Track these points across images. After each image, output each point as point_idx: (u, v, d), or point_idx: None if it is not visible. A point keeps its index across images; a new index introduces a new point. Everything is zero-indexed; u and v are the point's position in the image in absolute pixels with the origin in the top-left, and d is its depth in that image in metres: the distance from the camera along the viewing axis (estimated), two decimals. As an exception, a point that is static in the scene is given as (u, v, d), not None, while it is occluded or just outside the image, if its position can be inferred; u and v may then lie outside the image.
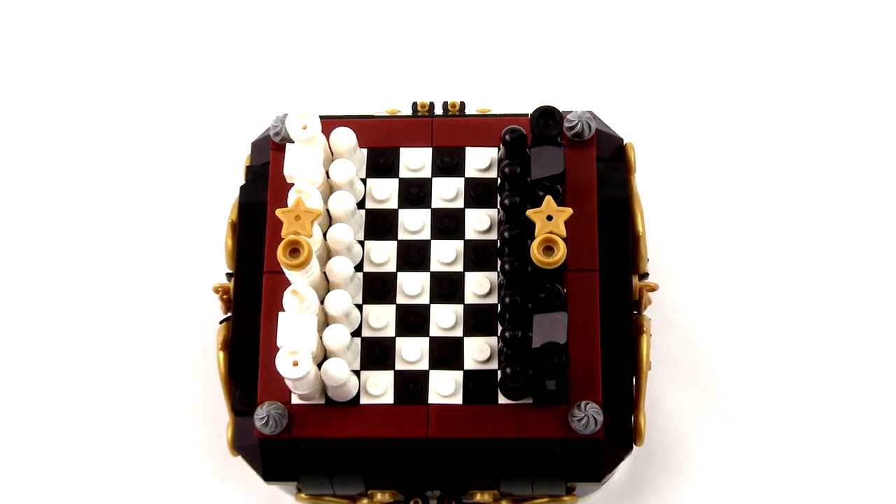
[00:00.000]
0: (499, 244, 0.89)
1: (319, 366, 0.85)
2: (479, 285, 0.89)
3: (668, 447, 0.99)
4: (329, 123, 0.91)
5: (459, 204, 0.91)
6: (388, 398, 0.87)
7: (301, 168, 0.86)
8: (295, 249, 0.82)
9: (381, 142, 0.93)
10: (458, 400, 0.87)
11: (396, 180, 0.92)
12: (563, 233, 0.81)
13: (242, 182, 0.95)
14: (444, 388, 0.87)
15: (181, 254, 1.05)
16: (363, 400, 0.87)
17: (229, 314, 0.92)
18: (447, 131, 0.93)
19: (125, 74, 1.12)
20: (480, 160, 0.92)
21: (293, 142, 0.87)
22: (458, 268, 0.90)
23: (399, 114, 0.96)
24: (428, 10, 1.13)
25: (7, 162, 1.09)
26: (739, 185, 1.06)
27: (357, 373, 0.88)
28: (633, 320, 0.90)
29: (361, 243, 0.90)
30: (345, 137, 0.90)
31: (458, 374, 0.87)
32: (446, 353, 0.88)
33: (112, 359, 1.03)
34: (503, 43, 1.11)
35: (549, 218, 0.81)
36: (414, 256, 0.90)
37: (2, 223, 1.07)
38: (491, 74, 1.10)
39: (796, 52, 1.11)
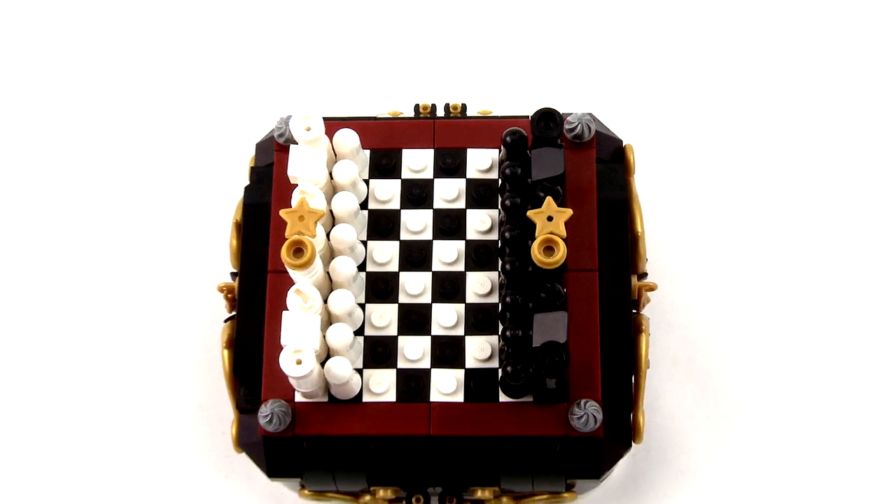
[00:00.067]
0: (500, 244, 0.89)
1: (323, 364, 0.85)
2: (481, 285, 0.89)
3: (666, 445, 0.99)
4: (332, 125, 0.90)
5: (461, 204, 0.91)
6: (391, 396, 0.87)
7: (305, 169, 0.86)
8: (299, 249, 0.82)
9: (383, 143, 0.92)
10: (460, 398, 0.87)
11: (399, 181, 0.92)
12: (564, 233, 0.81)
13: (247, 183, 0.94)
14: (446, 386, 0.87)
15: (186, 253, 1.05)
16: (366, 398, 0.87)
17: (234, 313, 0.92)
18: (449, 133, 0.93)
19: (132, 77, 1.11)
20: (482, 161, 0.92)
21: (297, 143, 0.87)
22: (460, 268, 0.90)
23: (401, 116, 0.96)
24: (429, 14, 1.13)
25: (15, 164, 1.09)
26: (737, 185, 1.06)
27: (360, 371, 0.88)
28: (632, 319, 0.89)
29: (364, 243, 0.90)
30: (348, 139, 0.90)
31: (460, 373, 0.87)
32: (448, 352, 0.88)
33: (118, 357, 1.03)
34: (504, 46, 1.11)
35: (550, 218, 0.81)
36: (416, 256, 0.90)
37: (10, 224, 1.07)
38: (492, 77, 1.10)
39: (794, 54, 1.11)
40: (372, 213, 0.91)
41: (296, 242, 0.82)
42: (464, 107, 0.95)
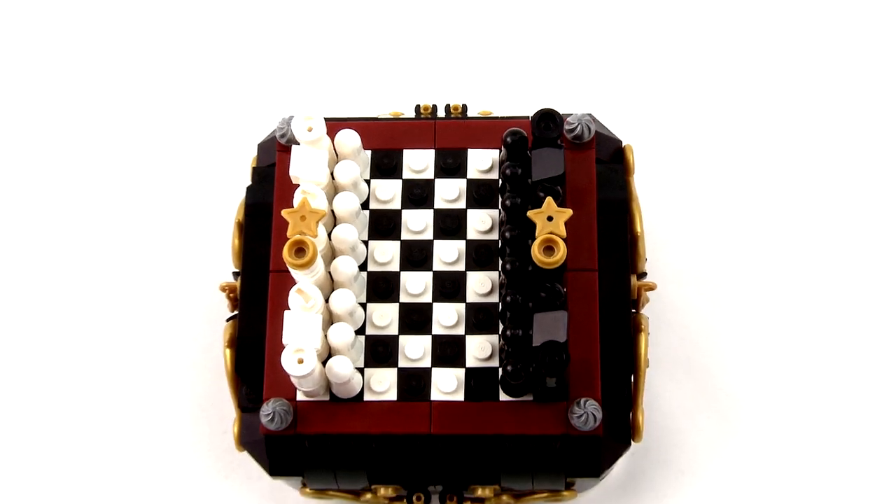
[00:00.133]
0: (500, 244, 0.89)
1: (324, 363, 0.85)
2: (481, 284, 0.89)
3: (665, 444, 0.99)
4: (334, 126, 0.90)
5: (461, 205, 0.91)
6: (392, 395, 0.87)
7: (306, 169, 0.86)
8: (300, 249, 0.82)
9: (384, 143, 0.93)
10: (460, 397, 0.87)
11: (400, 181, 0.92)
12: (564, 233, 0.81)
13: (249, 183, 0.95)
14: (447, 385, 0.87)
15: (189, 253, 1.05)
16: (367, 397, 0.87)
17: (236, 312, 0.92)
18: (449, 133, 0.93)
19: (136, 79, 1.12)
20: (482, 162, 0.92)
21: (299, 143, 0.87)
22: (461, 267, 0.90)
23: (402, 116, 0.96)
24: (430, 16, 1.13)
25: (19, 166, 1.09)
26: (736, 185, 1.06)
27: (361, 370, 0.88)
28: (631, 319, 0.90)
29: (365, 243, 0.91)
30: (349, 139, 0.90)
31: (460, 372, 0.88)
32: (448, 351, 0.88)
33: (120, 356, 1.03)
34: (504, 47, 1.11)
35: (550, 218, 0.82)
36: (417, 256, 0.90)
37: (14, 224, 1.07)
38: (492, 78, 1.10)
39: (793, 55, 1.11)
40: (373, 213, 0.91)
41: (297, 242, 0.82)
42: (464, 107, 0.95)
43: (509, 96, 1.09)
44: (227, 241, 1.01)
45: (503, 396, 0.87)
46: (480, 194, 0.92)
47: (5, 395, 1.02)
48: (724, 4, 1.12)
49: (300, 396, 0.87)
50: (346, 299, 0.86)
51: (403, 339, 0.88)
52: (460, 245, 0.91)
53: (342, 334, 0.85)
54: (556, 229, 0.81)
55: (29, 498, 1.00)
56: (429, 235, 0.91)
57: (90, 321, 1.04)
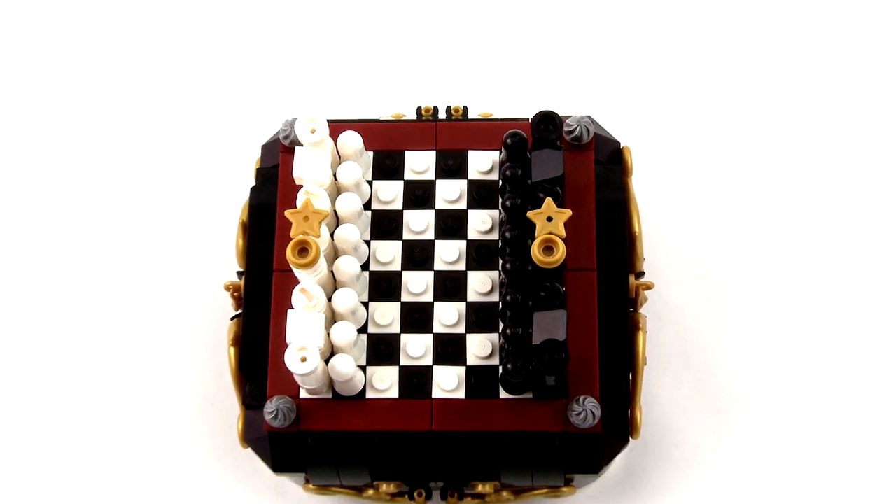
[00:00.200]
0: (500, 244, 0.89)
1: (327, 361, 0.85)
2: (482, 284, 0.89)
3: (662, 440, 0.99)
4: (336, 127, 0.90)
5: (462, 205, 0.92)
6: (393, 393, 0.87)
7: (309, 170, 0.86)
8: (303, 249, 0.82)
9: (386, 145, 0.93)
10: (461, 394, 0.87)
11: (401, 182, 0.92)
12: (563, 233, 0.81)
13: (253, 184, 0.95)
14: (447, 382, 0.87)
15: (194, 253, 1.05)
16: (369, 394, 0.87)
17: (240, 311, 0.92)
18: (450, 135, 0.93)
19: (143, 82, 1.11)
20: (483, 163, 0.92)
21: (302, 145, 0.88)
22: (461, 267, 0.90)
23: (404, 118, 0.96)
24: (432, 20, 1.13)
25: (28, 168, 1.09)
26: (732, 186, 1.07)
27: (363, 368, 0.88)
28: (629, 317, 0.90)
29: (368, 243, 0.91)
30: (352, 141, 0.90)
31: (461, 370, 0.88)
32: (449, 350, 0.88)
33: (127, 354, 1.03)
34: (505, 50, 1.11)
35: (549, 219, 0.82)
36: (418, 256, 0.90)
37: (22, 225, 1.07)
38: (493, 80, 1.10)
39: (789, 58, 1.11)
40: (375, 213, 0.92)
41: (301, 242, 0.82)
42: (465, 109, 0.96)
43: (509, 98, 1.09)
44: (231, 241, 1.00)
45: (503, 394, 0.87)
46: (481, 195, 0.92)
47: (10, 394, 1.02)
48: (720, 7, 1.12)
49: (303, 394, 0.87)
50: (349, 298, 0.86)
51: (405, 338, 0.89)
52: (461, 245, 0.91)
53: (344, 333, 0.85)
54: (556, 229, 0.81)
55: (37, 492, 1.00)
56: (430, 235, 0.91)
57: (97, 320, 1.04)
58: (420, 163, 0.93)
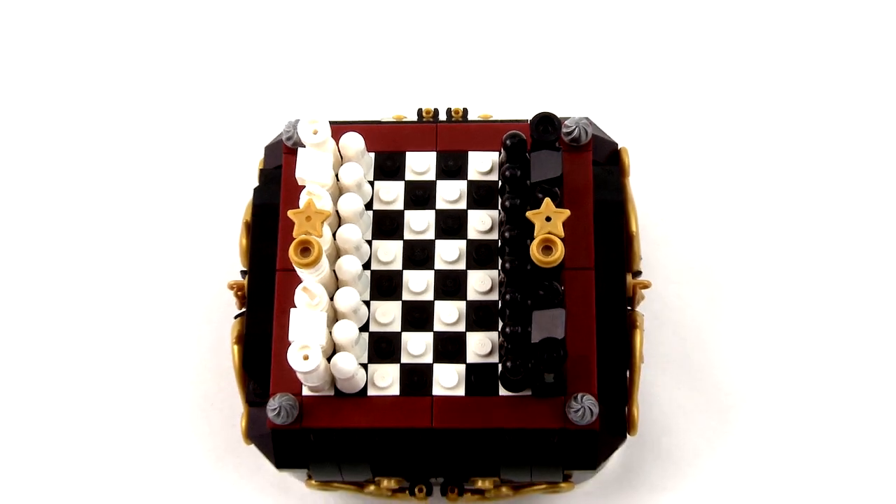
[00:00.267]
0: (500, 244, 0.90)
1: (329, 359, 0.85)
2: (481, 283, 0.90)
3: (659, 437, 0.99)
4: (338, 129, 0.90)
5: (462, 205, 0.92)
6: (394, 390, 0.87)
7: (312, 171, 0.86)
8: (306, 249, 0.82)
9: (387, 146, 0.93)
10: (461, 392, 0.87)
11: (402, 183, 0.92)
12: (561, 233, 0.82)
13: (256, 184, 0.95)
14: (448, 380, 0.87)
15: (198, 252, 1.05)
16: (370, 392, 0.87)
17: (243, 310, 0.92)
18: (451, 136, 0.93)
19: (147, 84, 1.12)
20: (482, 164, 0.92)
21: (304, 146, 0.88)
22: (461, 266, 0.90)
23: (405, 119, 0.96)
24: (432, 23, 1.13)
25: (31, 168, 1.09)
26: (728, 187, 1.07)
27: (365, 366, 0.88)
28: (627, 316, 0.90)
29: (369, 243, 0.91)
30: (353, 142, 0.90)
31: (461, 368, 0.88)
32: (450, 348, 0.88)
33: (130, 352, 1.03)
34: (504, 52, 1.12)
35: (548, 219, 0.82)
36: (419, 255, 0.90)
37: (26, 224, 1.07)
38: (492, 82, 1.10)
39: (786, 59, 1.11)
40: (376, 213, 0.92)
41: (303, 242, 0.82)
42: (465, 111, 0.96)
43: (509, 100, 1.09)
44: (234, 240, 1.01)
45: (503, 391, 0.87)
46: (480, 195, 0.92)
47: (13, 393, 1.02)
48: (718, 9, 1.12)
49: (306, 391, 0.87)
50: (351, 297, 0.87)
51: (406, 336, 0.89)
52: (461, 244, 0.91)
53: (346, 331, 0.85)
54: (555, 229, 0.82)
55: (40, 490, 1.00)
56: (430, 235, 0.91)
57: (101, 319, 1.05)
58: (421, 164, 0.93)
